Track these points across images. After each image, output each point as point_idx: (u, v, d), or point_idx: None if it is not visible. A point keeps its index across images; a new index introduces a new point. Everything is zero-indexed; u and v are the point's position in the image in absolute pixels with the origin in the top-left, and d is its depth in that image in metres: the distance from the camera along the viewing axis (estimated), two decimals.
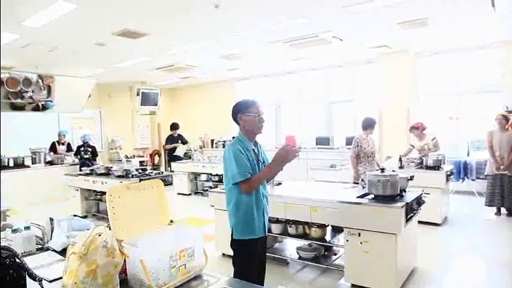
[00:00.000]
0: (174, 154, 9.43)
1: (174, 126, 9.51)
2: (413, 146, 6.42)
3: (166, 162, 12.65)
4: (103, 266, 1.58)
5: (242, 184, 2.48)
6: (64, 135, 9.16)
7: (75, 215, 6.70)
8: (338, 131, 9.45)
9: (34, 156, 8.39)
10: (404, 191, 3.58)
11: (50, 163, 8.51)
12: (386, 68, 8.19)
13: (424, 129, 6.29)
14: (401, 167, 5.87)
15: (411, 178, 3.65)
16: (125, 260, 1.76)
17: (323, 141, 9.24)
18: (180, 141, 9.46)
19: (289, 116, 10.75)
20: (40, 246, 2.43)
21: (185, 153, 9.72)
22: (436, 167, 5.67)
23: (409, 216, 3.28)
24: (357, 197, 3.55)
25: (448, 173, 5.68)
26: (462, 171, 7.34)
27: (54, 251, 2.31)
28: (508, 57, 7.21)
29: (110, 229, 1.88)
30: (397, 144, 7.75)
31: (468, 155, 7.63)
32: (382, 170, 3.48)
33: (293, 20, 5.51)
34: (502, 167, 5.90)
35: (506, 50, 7.21)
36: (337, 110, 9.84)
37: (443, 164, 5.86)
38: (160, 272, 1.73)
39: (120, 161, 9.73)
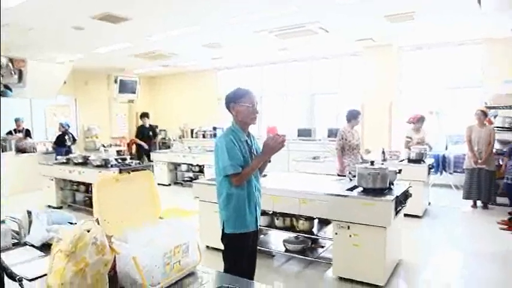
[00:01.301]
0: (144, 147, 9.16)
1: (145, 115, 9.20)
2: (410, 138, 6.49)
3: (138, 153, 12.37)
4: (93, 265, 1.46)
5: (233, 177, 2.40)
6: (22, 122, 8.80)
7: (49, 206, 6.48)
8: (320, 123, 9.45)
9: (4, 144, 7.98)
10: (393, 184, 3.58)
11: (22, 151, 8.12)
12: (370, 62, 8.23)
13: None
14: (384, 160, 5.92)
15: (399, 171, 3.66)
16: (114, 257, 1.65)
17: (305, 133, 9.24)
18: (151, 133, 9.24)
19: (271, 107, 10.66)
20: (16, 241, 2.27)
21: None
22: (419, 160, 5.74)
23: (397, 210, 3.28)
24: (346, 190, 3.52)
25: (430, 166, 5.77)
26: (440, 164, 7.48)
27: (33, 246, 2.16)
28: (487, 53, 7.36)
29: (98, 224, 1.76)
30: (379, 137, 7.84)
31: (446, 148, 7.78)
32: (372, 162, 3.46)
33: (281, 8, 5.38)
34: (479, 161, 6.04)
35: (486, 47, 7.35)
36: (320, 102, 9.83)
37: (425, 157, 5.94)
38: (154, 270, 1.63)
39: (98, 149, 9.39)
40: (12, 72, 8.10)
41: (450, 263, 4.17)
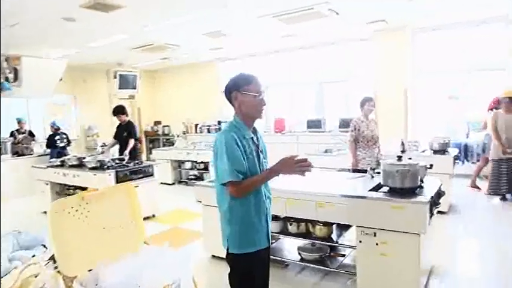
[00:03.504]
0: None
1: (118, 110, 6.37)
2: None
3: (148, 150, 11.97)
4: None
5: (230, 186, 1.92)
6: (24, 123, 8.39)
7: (45, 212, 6.09)
8: (331, 113, 8.93)
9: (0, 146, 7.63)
10: (423, 181, 3.10)
11: (18, 154, 7.75)
12: (382, 46, 7.67)
13: None
14: (403, 152, 5.44)
15: (430, 166, 3.18)
16: None
17: (315, 125, 8.73)
18: (125, 133, 6.27)
19: (278, 98, 10.15)
20: None
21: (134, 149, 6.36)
22: (442, 150, 5.25)
23: (432, 212, 2.81)
24: (369, 190, 3.06)
25: (455, 157, 5.27)
26: (462, 153, 6.96)
27: None
28: None
29: (54, 262, 1.32)
30: (395, 126, 7.33)
31: (467, 136, 7.25)
32: (400, 158, 2.98)
33: None
34: (508, 150, 5.53)
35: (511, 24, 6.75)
36: (330, 91, 9.29)
37: (449, 147, 5.44)
38: None
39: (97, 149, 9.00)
40: (8, 71, 7.71)
41: (488, 268, 3.68)
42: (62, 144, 7.91)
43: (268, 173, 2.00)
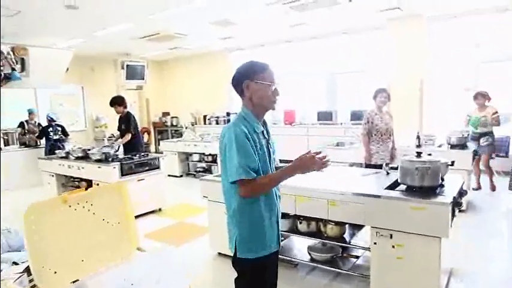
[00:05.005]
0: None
1: (116, 101, 5.84)
2: (469, 117, 5.81)
3: (156, 141, 11.86)
4: None
5: (242, 185, 1.74)
6: (35, 114, 8.25)
7: None
8: (342, 105, 8.68)
9: (6, 137, 7.55)
10: (443, 180, 2.88)
11: (25, 145, 7.68)
12: (396, 35, 7.37)
13: (489, 100, 5.74)
14: (419, 146, 5.19)
15: (452, 163, 2.95)
16: None
17: (325, 116, 8.50)
18: (123, 126, 5.81)
19: (288, 89, 9.92)
20: None
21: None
22: (461, 145, 4.99)
23: (454, 214, 2.60)
24: (385, 188, 2.85)
25: (474, 152, 5.01)
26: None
27: None
28: None
29: (29, 275, 1.16)
30: (408, 119, 7.06)
31: None
32: (419, 154, 2.77)
33: None
34: None
35: None
36: (341, 82, 9.02)
37: (467, 141, 5.19)
38: None
39: (103, 140, 8.88)
40: (14, 62, 7.60)
41: (507, 267, 3.47)
42: (55, 137, 7.58)
43: (283, 173, 1.81)
